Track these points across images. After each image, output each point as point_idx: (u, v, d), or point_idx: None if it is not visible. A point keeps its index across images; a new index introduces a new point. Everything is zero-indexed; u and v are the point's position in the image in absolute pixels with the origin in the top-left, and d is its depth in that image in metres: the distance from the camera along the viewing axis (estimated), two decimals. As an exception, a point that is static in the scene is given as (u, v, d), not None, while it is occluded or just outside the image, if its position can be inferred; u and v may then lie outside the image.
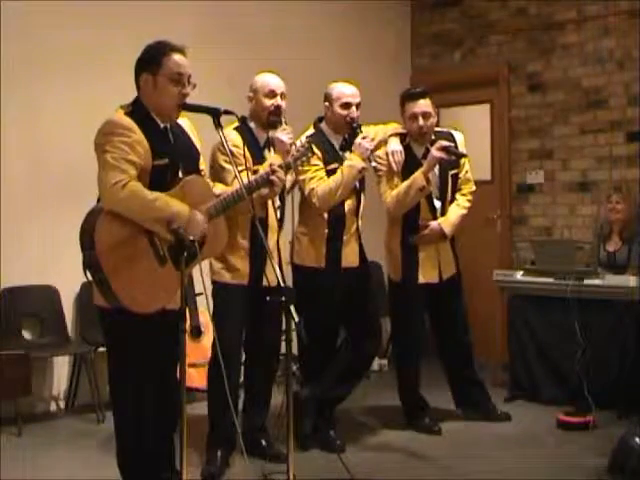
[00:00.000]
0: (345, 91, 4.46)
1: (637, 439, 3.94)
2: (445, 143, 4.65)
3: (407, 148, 4.72)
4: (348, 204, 4.47)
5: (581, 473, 4.14)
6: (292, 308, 3.00)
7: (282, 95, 4.17)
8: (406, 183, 4.61)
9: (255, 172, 3.93)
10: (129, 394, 3.28)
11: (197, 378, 4.88)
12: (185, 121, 3.48)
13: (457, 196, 4.89)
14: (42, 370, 5.46)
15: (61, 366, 5.56)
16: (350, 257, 4.52)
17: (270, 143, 4.19)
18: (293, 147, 4.06)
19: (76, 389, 5.51)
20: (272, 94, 4.14)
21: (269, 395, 4.40)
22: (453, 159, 4.72)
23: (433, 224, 4.73)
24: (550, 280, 5.43)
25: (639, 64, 6.24)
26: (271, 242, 4.09)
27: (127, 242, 3.15)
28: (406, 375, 4.94)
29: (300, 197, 4.48)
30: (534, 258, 5.58)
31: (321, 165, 4.39)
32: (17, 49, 5.27)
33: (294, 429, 3.16)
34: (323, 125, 4.53)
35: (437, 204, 4.78)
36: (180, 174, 3.32)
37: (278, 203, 4.21)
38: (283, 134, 4.06)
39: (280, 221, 4.21)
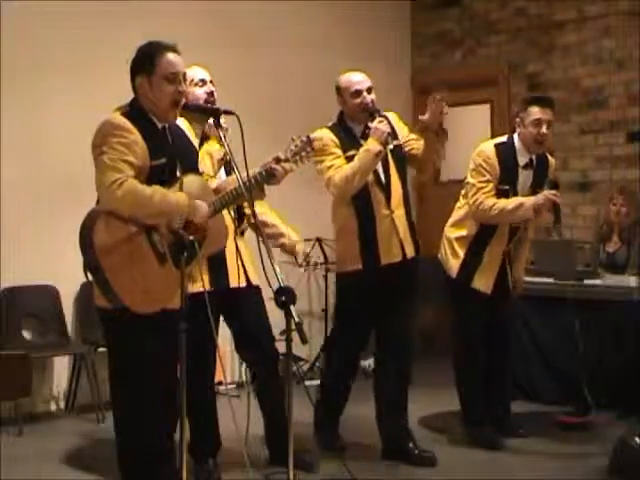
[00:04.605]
0: (352, 79, 4.33)
1: (637, 439, 3.94)
2: (557, 200, 4.41)
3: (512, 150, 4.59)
4: (376, 196, 4.27)
5: (581, 473, 4.14)
6: (292, 308, 2.97)
7: (211, 82, 4.07)
8: (513, 203, 4.45)
9: None
10: (130, 394, 3.27)
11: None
12: (183, 121, 3.48)
13: None
14: (42, 370, 5.46)
15: (61, 366, 5.56)
16: (390, 252, 4.30)
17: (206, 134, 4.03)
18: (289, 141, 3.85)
19: (76, 389, 5.51)
20: (203, 82, 4.03)
21: (280, 389, 4.17)
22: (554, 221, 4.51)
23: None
24: (550, 280, 5.43)
25: (639, 64, 6.25)
26: (228, 242, 3.84)
27: (126, 242, 3.14)
28: (469, 382, 4.71)
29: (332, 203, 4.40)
30: (534, 258, 5.58)
31: (339, 153, 4.25)
32: (17, 49, 5.26)
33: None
34: (345, 117, 4.38)
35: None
36: (178, 173, 3.32)
37: None
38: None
39: (239, 220, 4.06)
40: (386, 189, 4.30)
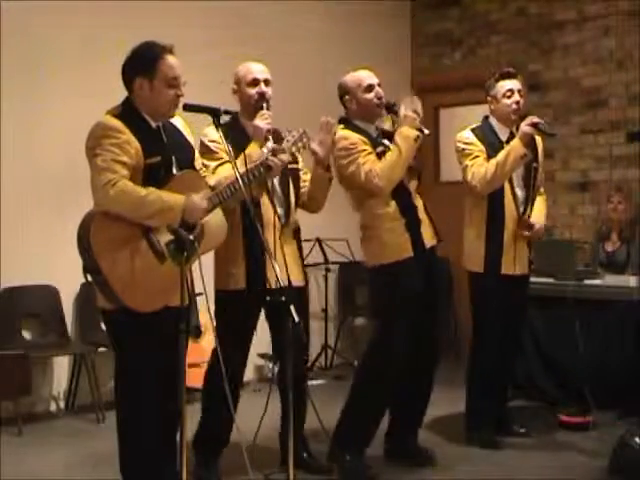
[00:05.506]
0: (361, 75, 4.17)
1: (637, 439, 3.94)
2: (536, 119, 4.42)
3: (491, 129, 4.58)
4: (412, 185, 4.20)
5: (581, 473, 4.14)
6: (292, 308, 2.98)
7: (266, 82, 3.98)
8: (503, 152, 4.39)
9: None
10: (134, 395, 3.26)
11: (197, 378, 4.87)
12: (178, 119, 3.48)
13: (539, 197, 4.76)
14: (42, 370, 5.46)
15: (61, 366, 5.56)
16: (427, 234, 4.20)
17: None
18: (288, 134, 3.82)
19: (76, 389, 5.51)
20: (255, 82, 3.96)
21: (304, 397, 4.11)
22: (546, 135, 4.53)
23: (537, 227, 4.60)
24: (550, 280, 5.43)
25: (639, 64, 6.25)
26: (270, 240, 3.79)
27: (124, 242, 3.14)
28: (485, 384, 4.63)
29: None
30: (534, 258, 5.58)
31: (370, 149, 4.06)
32: (17, 49, 5.27)
33: None
34: (354, 118, 4.17)
35: (519, 193, 4.57)
36: (174, 171, 3.31)
37: (279, 194, 3.97)
38: (260, 120, 3.83)
39: (286, 216, 3.98)
40: (413, 175, 4.23)
